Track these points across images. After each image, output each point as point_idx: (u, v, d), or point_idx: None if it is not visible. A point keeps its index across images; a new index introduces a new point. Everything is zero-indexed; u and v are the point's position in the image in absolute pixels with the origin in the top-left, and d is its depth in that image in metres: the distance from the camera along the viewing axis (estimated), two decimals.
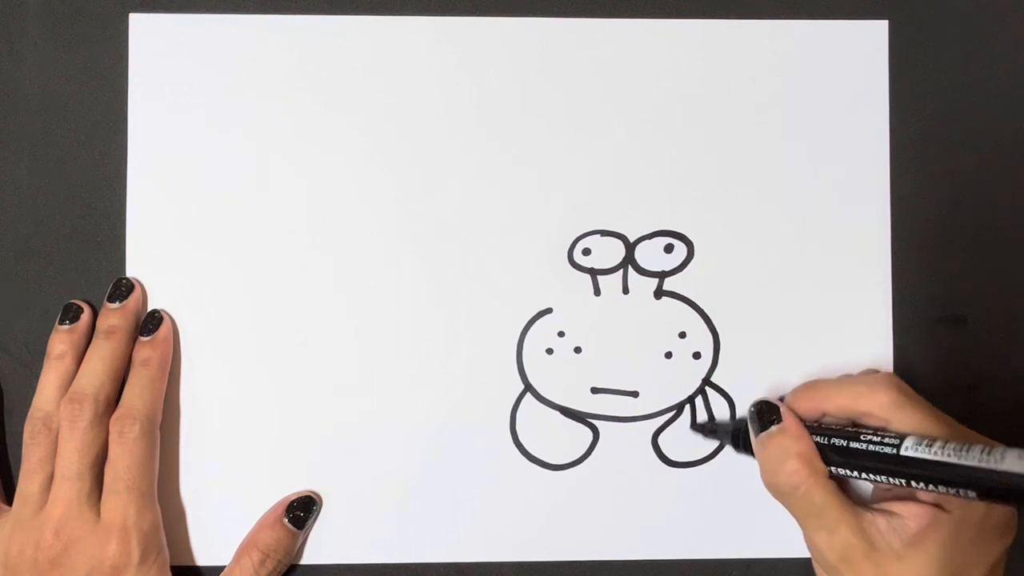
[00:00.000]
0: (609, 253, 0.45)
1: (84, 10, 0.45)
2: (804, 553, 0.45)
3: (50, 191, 0.45)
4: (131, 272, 0.45)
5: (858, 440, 0.39)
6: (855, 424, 0.41)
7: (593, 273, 0.45)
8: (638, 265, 0.45)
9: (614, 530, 0.45)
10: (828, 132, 0.46)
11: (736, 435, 0.43)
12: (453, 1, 0.46)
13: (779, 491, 0.40)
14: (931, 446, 0.37)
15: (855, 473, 0.39)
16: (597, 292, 0.45)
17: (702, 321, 0.45)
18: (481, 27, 0.45)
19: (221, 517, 0.44)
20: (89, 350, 0.43)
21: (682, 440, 0.45)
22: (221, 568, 0.43)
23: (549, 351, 0.45)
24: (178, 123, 0.45)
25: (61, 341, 0.43)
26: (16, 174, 0.45)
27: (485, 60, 0.45)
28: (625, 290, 0.45)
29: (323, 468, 0.45)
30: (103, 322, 0.44)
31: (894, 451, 0.38)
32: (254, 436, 0.45)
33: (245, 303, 0.45)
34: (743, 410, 0.45)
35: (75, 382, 0.42)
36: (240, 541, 0.44)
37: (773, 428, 0.41)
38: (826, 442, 0.40)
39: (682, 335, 0.45)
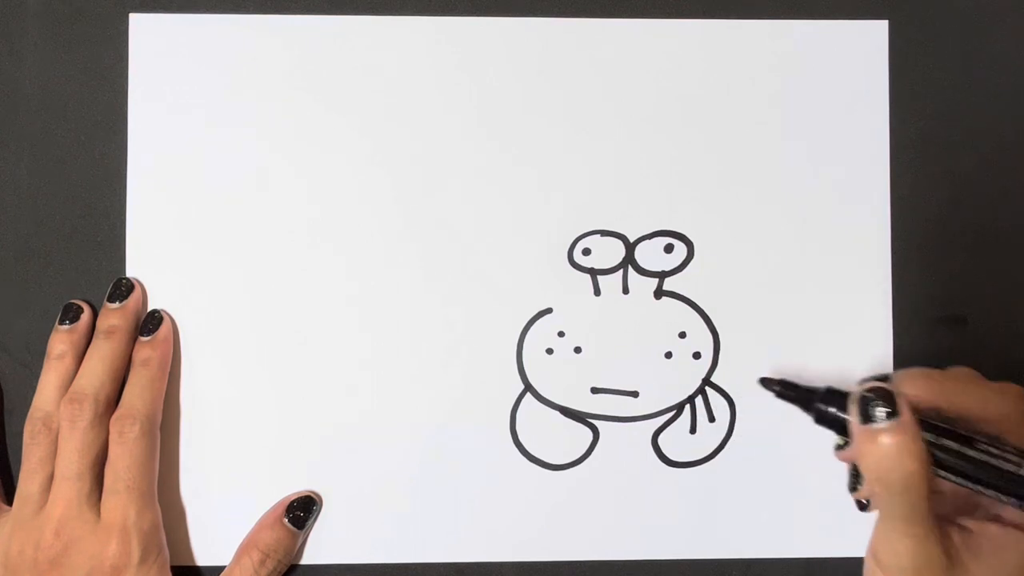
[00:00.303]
0: (609, 253, 0.45)
1: (84, 10, 0.45)
2: (804, 553, 0.45)
3: (50, 191, 0.45)
4: (131, 272, 0.45)
5: (973, 447, 0.36)
6: (961, 425, 0.37)
7: (593, 273, 0.45)
8: (638, 265, 0.45)
9: (614, 530, 0.45)
10: (828, 132, 0.46)
11: (820, 408, 0.38)
12: (453, 1, 0.46)
13: (889, 489, 0.36)
14: None
15: (958, 479, 0.36)
16: (597, 292, 0.45)
17: (702, 321, 0.45)
18: (481, 27, 0.45)
19: (221, 517, 0.44)
20: (89, 350, 0.43)
21: (682, 440, 0.45)
22: (221, 568, 0.43)
23: (549, 351, 0.45)
24: (178, 123, 0.45)
25: (61, 341, 0.43)
26: (16, 174, 0.45)
27: (485, 60, 0.45)
28: (625, 290, 0.45)
29: (323, 468, 0.45)
30: (103, 322, 0.44)
31: (1016, 468, 0.36)
32: (254, 436, 0.45)
33: (245, 303, 0.45)
34: (743, 410, 0.45)
35: (75, 382, 0.42)
36: (240, 541, 0.44)
37: (891, 422, 0.36)
38: (935, 440, 0.36)
39: (682, 335, 0.45)
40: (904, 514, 0.36)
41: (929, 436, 0.36)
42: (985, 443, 0.36)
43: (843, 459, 0.40)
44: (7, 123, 0.45)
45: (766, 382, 0.40)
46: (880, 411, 0.36)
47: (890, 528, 0.37)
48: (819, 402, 0.38)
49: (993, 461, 0.36)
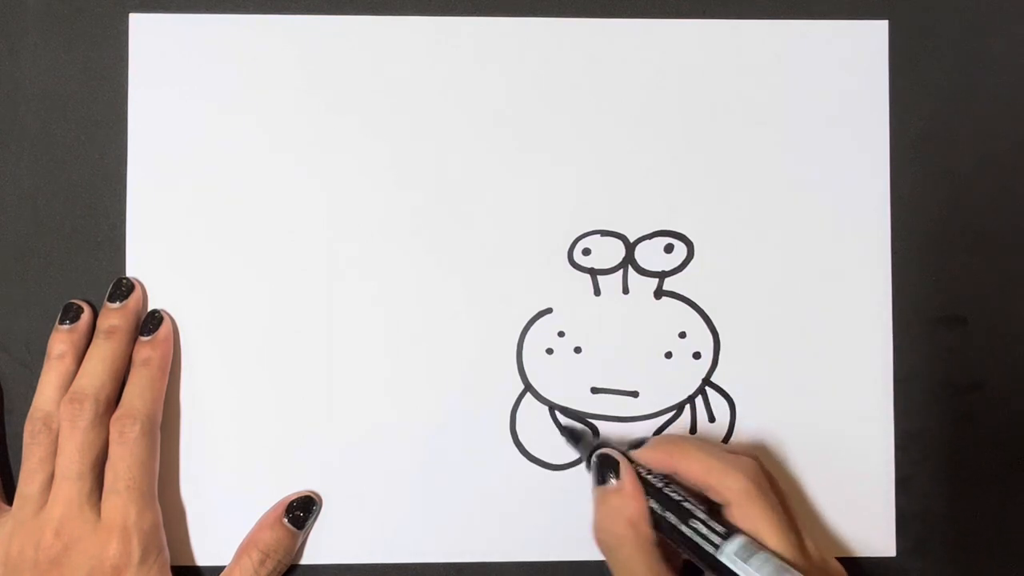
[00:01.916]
0: (609, 253, 0.45)
1: (84, 10, 0.45)
2: None
3: (50, 191, 0.45)
4: (131, 272, 0.45)
5: (688, 524, 0.38)
6: (701, 494, 0.40)
7: (593, 273, 0.45)
8: (638, 265, 0.45)
9: None
10: (828, 132, 0.46)
11: (591, 459, 0.42)
12: (453, 1, 0.46)
13: (602, 546, 0.40)
14: (750, 559, 0.37)
15: (677, 546, 0.39)
16: (597, 292, 0.45)
17: (702, 321, 0.45)
18: (481, 27, 0.45)
19: (221, 517, 0.44)
20: (89, 350, 0.43)
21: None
22: (221, 568, 0.43)
23: (549, 351, 0.45)
24: (178, 123, 0.45)
25: (61, 341, 0.43)
26: (16, 174, 0.45)
27: (485, 60, 0.45)
28: (625, 290, 0.45)
29: (323, 468, 0.45)
30: (103, 322, 0.44)
31: (714, 551, 0.38)
32: (254, 436, 0.45)
33: (245, 303, 0.45)
34: (743, 410, 0.45)
35: (75, 382, 0.42)
36: (240, 541, 0.44)
37: (611, 483, 0.40)
38: (660, 511, 0.39)
39: (682, 335, 0.45)
40: (622, 572, 0.39)
41: (656, 505, 0.39)
42: (701, 519, 0.38)
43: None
44: (7, 123, 0.45)
45: (562, 431, 0.45)
46: (606, 475, 0.40)
47: None
48: (588, 453, 0.42)
49: (698, 540, 0.38)
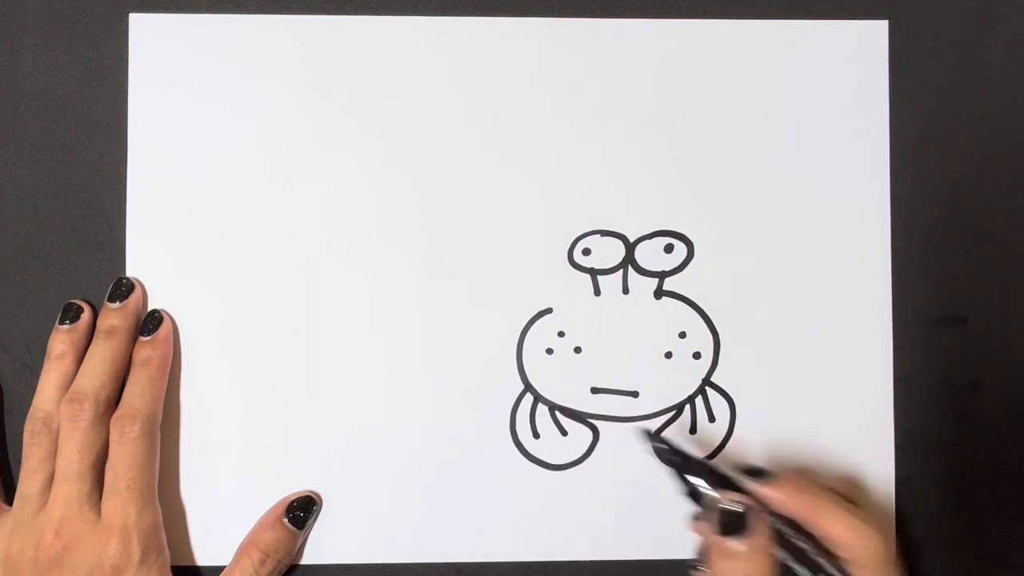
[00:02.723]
0: (609, 253, 0.45)
1: (84, 10, 0.45)
2: None
3: (50, 191, 0.45)
4: (131, 272, 0.45)
5: None
6: (820, 543, 0.38)
7: (593, 273, 0.45)
8: (638, 265, 0.45)
9: (614, 530, 0.45)
10: (828, 132, 0.46)
11: (689, 482, 0.40)
12: (453, 1, 0.46)
13: None
14: None
15: None
16: (597, 292, 0.45)
17: (702, 321, 0.45)
18: (481, 27, 0.45)
19: (221, 517, 0.44)
20: (89, 350, 0.43)
21: (682, 440, 0.45)
22: (221, 568, 0.44)
23: (549, 351, 0.45)
24: (178, 123, 0.45)
25: (61, 341, 0.43)
26: (16, 174, 0.45)
27: (485, 60, 0.45)
28: (625, 290, 0.45)
29: (323, 468, 0.45)
30: (103, 322, 0.44)
31: None
32: (254, 436, 0.45)
33: (245, 303, 0.45)
34: (743, 410, 0.45)
35: (75, 382, 0.42)
36: (240, 541, 0.44)
37: (741, 539, 0.37)
38: (786, 560, 0.38)
39: (682, 335, 0.45)
40: None
41: (782, 554, 0.38)
42: (830, 573, 0.37)
43: (696, 532, 0.41)
44: (7, 123, 0.45)
45: (652, 436, 0.42)
46: (732, 524, 0.37)
47: None
48: (690, 474, 0.40)
49: None
